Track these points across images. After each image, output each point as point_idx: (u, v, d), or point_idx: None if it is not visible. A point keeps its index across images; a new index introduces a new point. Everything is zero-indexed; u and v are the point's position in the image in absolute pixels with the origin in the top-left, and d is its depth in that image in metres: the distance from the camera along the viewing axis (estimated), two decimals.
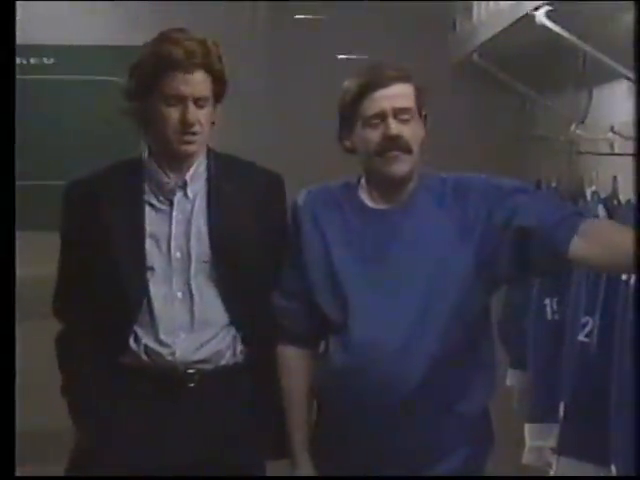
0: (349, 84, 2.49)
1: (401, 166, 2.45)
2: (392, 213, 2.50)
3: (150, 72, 2.52)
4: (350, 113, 2.48)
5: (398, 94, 2.45)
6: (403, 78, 2.47)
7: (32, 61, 4.52)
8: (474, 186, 2.49)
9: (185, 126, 2.52)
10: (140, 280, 2.56)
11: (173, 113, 2.52)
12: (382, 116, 2.44)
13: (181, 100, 2.51)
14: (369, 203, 2.53)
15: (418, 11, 4.49)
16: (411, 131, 2.45)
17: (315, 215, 2.55)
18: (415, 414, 2.41)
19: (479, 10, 3.99)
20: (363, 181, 2.55)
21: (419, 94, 2.49)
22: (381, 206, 2.52)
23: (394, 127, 2.43)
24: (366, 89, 2.44)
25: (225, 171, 2.65)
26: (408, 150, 2.45)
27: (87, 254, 2.60)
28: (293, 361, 2.58)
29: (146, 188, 2.61)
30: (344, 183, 2.59)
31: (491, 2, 3.77)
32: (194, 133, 2.54)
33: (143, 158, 2.63)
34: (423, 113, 2.50)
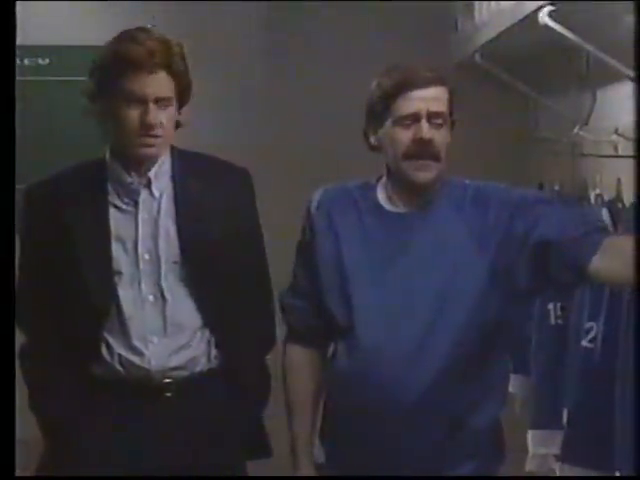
0: (382, 80, 2.44)
1: (427, 174, 2.42)
2: (409, 217, 2.47)
3: (111, 72, 2.50)
4: (380, 110, 2.43)
5: (434, 97, 2.40)
6: (440, 81, 2.43)
7: (27, 62, 4.53)
8: (496, 194, 2.46)
9: (145, 128, 2.50)
10: (107, 285, 2.54)
11: (133, 114, 2.49)
12: (416, 117, 2.39)
13: (142, 101, 2.49)
14: (386, 205, 2.50)
15: (419, 11, 4.50)
16: (441, 137, 2.41)
17: (330, 214, 2.53)
18: (418, 424, 2.40)
19: (481, 10, 4.00)
20: (383, 181, 2.53)
21: (451, 98, 2.45)
22: (399, 209, 2.49)
23: (427, 131, 2.39)
24: (402, 87, 2.40)
25: (190, 168, 2.64)
26: (436, 157, 2.41)
27: (50, 259, 2.57)
28: (298, 360, 2.58)
29: (110, 189, 2.59)
30: (362, 183, 2.56)
31: (493, 2, 3.78)
32: (155, 136, 2.51)
33: (106, 158, 2.61)
34: (451, 119, 2.46)
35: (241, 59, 4.56)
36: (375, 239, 2.48)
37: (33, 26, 4.26)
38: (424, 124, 2.39)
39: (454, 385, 2.41)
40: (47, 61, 4.64)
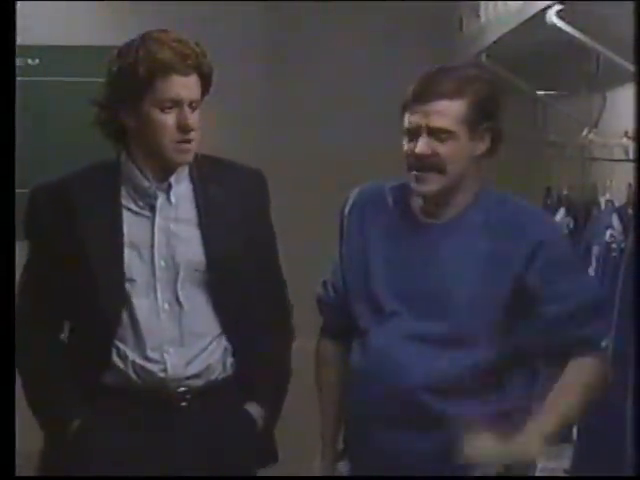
0: (408, 88, 2.47)
1: (427, 186, 2.44)
2: (437, 226, 2.49)
3: (142, 76, 2.48)
4: (402, 117, 2.47)
5: (437, 111, 2.41)
6: (451, 95, 2.41)
7: (17, 62, 4.54)
8: (531, 226, 2.48)
9: (184, 132, 2.50)
10: (118, 292, 2.54)
11: (169, 119, 2.50)
12: (416, 132, 2.42)
13: (177, 104, 2.50)
14: (417, 211, 2.53)
15: (424, 11, 4.53)
16: (448, 150, 2.41)
17: (363, 214, 2.57)
18: (432, 432, 2.43)
19: (487, 10, 4.02)
20: None
21: (473, 108, 2.43)
22: (428, 217, 2.51)
23: (422, 146, 2.41)
24: (410, 100, 2.43)
25: (208, 172, 2.64)
26: (438, 169, 2.42)
27: (58, 265, 2.57)
28: (327, 354, 2.64)
29: (123, 192, 2.58)
30: (400, 185, 2.56)
31: (499, 2, 3.80)
32: (190, 140, 2.52)
33: (120, 160, 2.60)
34: (481, 127, 2.44)
35: (241, 60, 4.58)
36: (401, 244, 2.51)
37: (22, 26, 4.27)
38: (423, 139, 2.42)
39: (457, 402, 2.42)
40: (37, 61, 4.68)
